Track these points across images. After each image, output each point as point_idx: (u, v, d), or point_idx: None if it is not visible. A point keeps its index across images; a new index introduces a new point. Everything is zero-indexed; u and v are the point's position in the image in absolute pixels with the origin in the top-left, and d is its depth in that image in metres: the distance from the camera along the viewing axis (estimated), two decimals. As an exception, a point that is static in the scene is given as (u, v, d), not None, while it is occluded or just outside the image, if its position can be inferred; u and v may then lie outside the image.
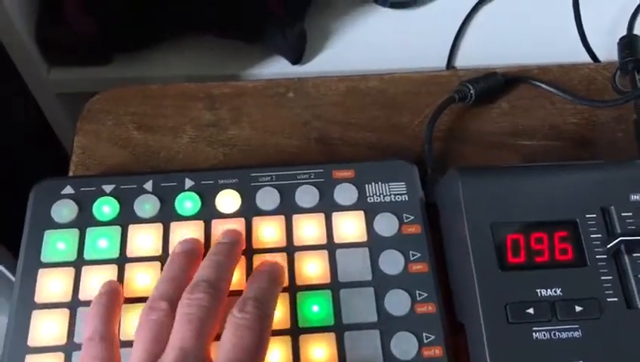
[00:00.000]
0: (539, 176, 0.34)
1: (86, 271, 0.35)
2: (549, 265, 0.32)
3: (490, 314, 0.31)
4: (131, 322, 0.34)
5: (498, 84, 0.44)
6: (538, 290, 0.31)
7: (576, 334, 0.30)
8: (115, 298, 0.33)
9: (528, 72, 0.46)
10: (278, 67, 0.55)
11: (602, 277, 0.32)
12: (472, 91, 0.43)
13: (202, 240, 0.36)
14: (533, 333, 0.30)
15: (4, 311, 0.56)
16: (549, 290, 0.31)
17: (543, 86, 0.45)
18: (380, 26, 0.57)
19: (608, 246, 0.32)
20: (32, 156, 0.61)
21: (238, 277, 0.35)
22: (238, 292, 0.33)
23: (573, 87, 0.45)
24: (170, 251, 0.35)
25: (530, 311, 0.31)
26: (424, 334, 0.34)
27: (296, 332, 0.34)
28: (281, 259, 0.36)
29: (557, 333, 0.30)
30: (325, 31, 0.57)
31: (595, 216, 0.33)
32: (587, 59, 0.52)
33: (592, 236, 0.33)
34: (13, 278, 0.55)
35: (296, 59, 0.55)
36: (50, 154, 0.61)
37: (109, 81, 0.53)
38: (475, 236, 0.33)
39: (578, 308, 0.31)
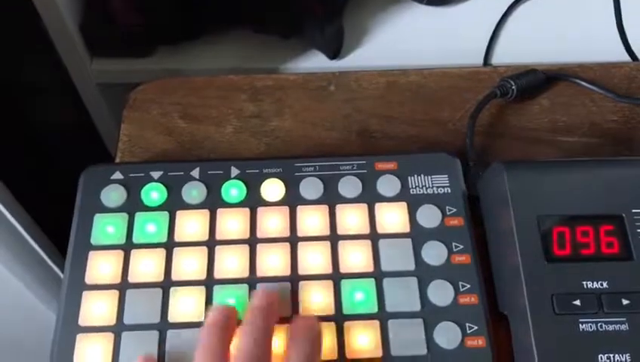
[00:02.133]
0: (585, 170, 0.35)
1: (135, 254, 0.36)
2: (595, 258, 0.32)
3: (536, 304, 0.31)
4: (179, 303, 0.34)
5: (539, 81, 0.44)
6: (584, 282, 0.32)
7: (623, 327, 0.31)
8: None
9: (569, 69, 0.46)
10: (315, 62, 0.56)
11: (649, 272, 0.32)
12: (513, 87, 0.43)
13: (248, 226, 0.37)
14: (580, 325, 0.31)
15: (46, 302, 0.57)
16: (595, 283, 0.32)
17: (584, 84, 0.45)
18: (416, 22, 0.58)
19: (654, 241, 0.32)
20: (72, 144, 0.62)
21: (283, 265, 0.36)
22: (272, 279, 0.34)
23: (614, 86, 0.46)
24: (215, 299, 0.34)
25: (577, 302, 0.31)
26: (467, 324, 0.34)
27: (340, 319, 0.34)
28: (324, 248, 0.36)
29: (603, 325, 0.31)
30: (362, 27, 0.57)
31: (641, 211, 0.33)
32: (625, 58, 0.52)
33: (638, 231, 0.33)
34: (54, 267, 0.56)
35: (334, 54, 0.55)
36: (89, 143, 0.63)
37: (149, 73, 0.54)
38: (522, 228, 0.33)
39: (625, 301, 0.31)
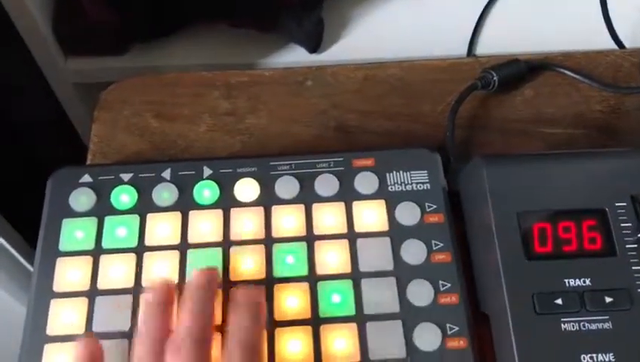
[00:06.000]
0: (566, 163, 0.33)
1: (104, 259, 0.35)
2: (578, 255, 0.31)
3: (517, 304, 0.30)
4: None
5: (521, 71, 0.43)
6: (566, 280, 0.30)
7: (606, 325, 0.30)
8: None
9: (552, 58, 0.45)
10: (294, 56, 0.54)
11: (633, 268, 0.31)
12: (495, 78, 0.42)
13: (221, 229, 0.36)
14: (562, 324, 0.30)
15: (22, 300, 0.56)
16: (577, 280, 0.30)
17: (568, 73, 0.44)
18: (398, 13, 0.56)
19: (639, 235, 0.31)
20: (49, 145, 0.61)
21: (258, 268, 0.34)
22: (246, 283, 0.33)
23: (599, 74, 0.44)
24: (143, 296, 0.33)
25: (559, 301, 0.30)
26: (448, 325, 0.33)
27: (317, 322, 0.33)
28: (300, 249, 0.35)
29: (586, 324, 0.30)
30: (343, 18, 0.56)
31: (625, 204, 0.32)
32: (611, 46, 0.51)
33: (621, 225, 0.32)
34: (30, 268, 0.55)
35: (314, 47, 0.54)
36: (67, 143, 0.61)
37: (125, 71, 0.53)
38: (501, 225, 0.32)
39: (608, 299, 0.30)
